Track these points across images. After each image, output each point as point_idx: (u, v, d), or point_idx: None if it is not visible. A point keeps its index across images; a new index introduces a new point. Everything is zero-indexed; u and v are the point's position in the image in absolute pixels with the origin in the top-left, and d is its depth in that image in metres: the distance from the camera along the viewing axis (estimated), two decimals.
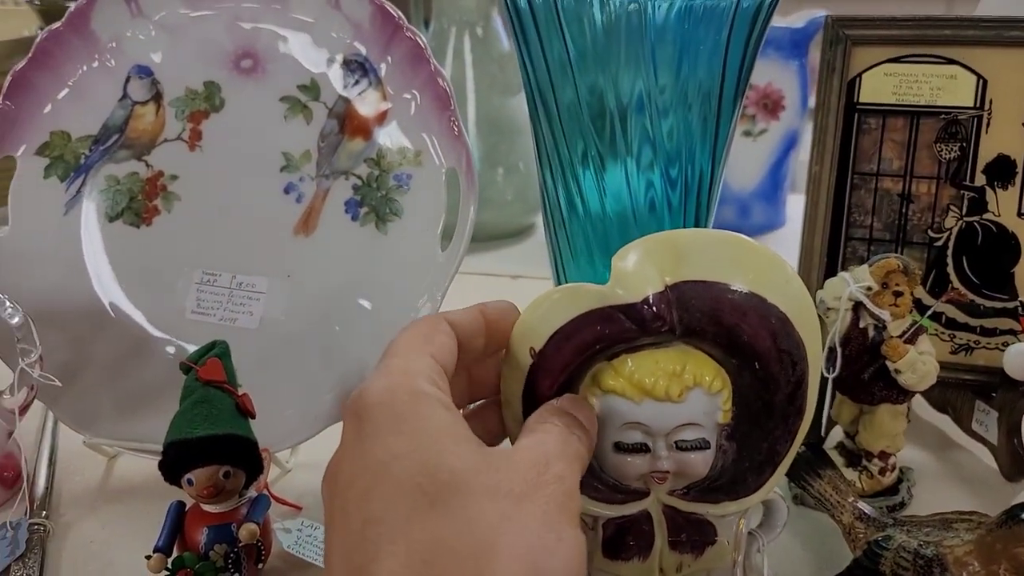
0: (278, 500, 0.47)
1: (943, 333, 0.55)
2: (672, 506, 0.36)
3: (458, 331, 0.33)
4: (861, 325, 0.46)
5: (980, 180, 0.53)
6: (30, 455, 0.53)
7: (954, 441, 0.56)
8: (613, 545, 0.36)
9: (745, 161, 0.89)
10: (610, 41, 0.44)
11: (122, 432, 0.51)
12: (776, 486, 0.36)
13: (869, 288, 0.45)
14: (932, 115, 0.54)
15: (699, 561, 0.36)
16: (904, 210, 0.55)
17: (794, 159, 0.92)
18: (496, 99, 0.87)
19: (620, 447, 0.34)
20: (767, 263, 0.33)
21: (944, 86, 0.53)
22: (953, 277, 0.54)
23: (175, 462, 0.41)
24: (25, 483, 0.49)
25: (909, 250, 0.55)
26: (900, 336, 0.46)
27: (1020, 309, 0.53)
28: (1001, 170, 0.53)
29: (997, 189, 0.53)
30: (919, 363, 0.45)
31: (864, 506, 0.43)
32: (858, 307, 0.46)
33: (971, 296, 0.54)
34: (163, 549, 0.41)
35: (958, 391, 0.55)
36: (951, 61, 0.53)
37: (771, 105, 0.88)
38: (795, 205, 0.77)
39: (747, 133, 0.89)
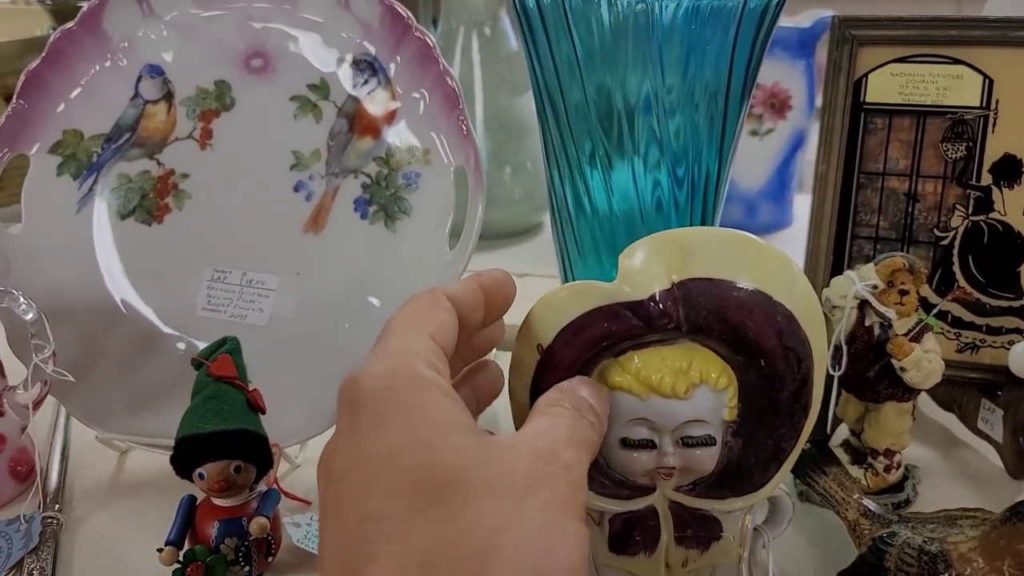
0: (288, 495, 0.47)
1: (949, 331, 0.55)
2: (678, 502, 0.36)
3: (458, 307, 0.32)
4: (867, 323, 0.46)
5: (986, 179, 0.53)
6: (43, 450, 0.54)
7: (959, 439, 0.56)
8: (619, 540, 0.36)
9: (752, 160, 0.89)
10: (617, 41, 0.44)
11: (133, 427, 0.52)
12: (782, 483, 0.36)
13: (875, 286, 0.45)
14: (938, 115, 0.54)
15: (705, 556, 0.37)
16: (910, 209, 0.55)
17: (801, 158, 0.92)
18: (504, 98, 0.87)
19: (627, 443, 0.34)
20: (773, 261, 0.33)
21: (950, 86, 0.53)
22: (959, 276, 0.54)
23: (187, 457, 0.41)
24: (38, 477, 0.50)
25: (915, 249, 0.55)
26: (906, 334, 0.46)
27: None
28: (1007, 169, 0.53)
29: (1003, 188, 0.53)
30: (924, 361, 0.45)
31: (869, 503, 0.43)
32: (864, 305, 0.46)
33: (977, 295, 0.54)
34: (175, 542, 0.42)
35: (964, 389, 0.55)
36: (957, 61, 0.53)
37: (778, 105, 0.88)
38: (802, 204, 0.77)
39: (754, 132, 0.89)
